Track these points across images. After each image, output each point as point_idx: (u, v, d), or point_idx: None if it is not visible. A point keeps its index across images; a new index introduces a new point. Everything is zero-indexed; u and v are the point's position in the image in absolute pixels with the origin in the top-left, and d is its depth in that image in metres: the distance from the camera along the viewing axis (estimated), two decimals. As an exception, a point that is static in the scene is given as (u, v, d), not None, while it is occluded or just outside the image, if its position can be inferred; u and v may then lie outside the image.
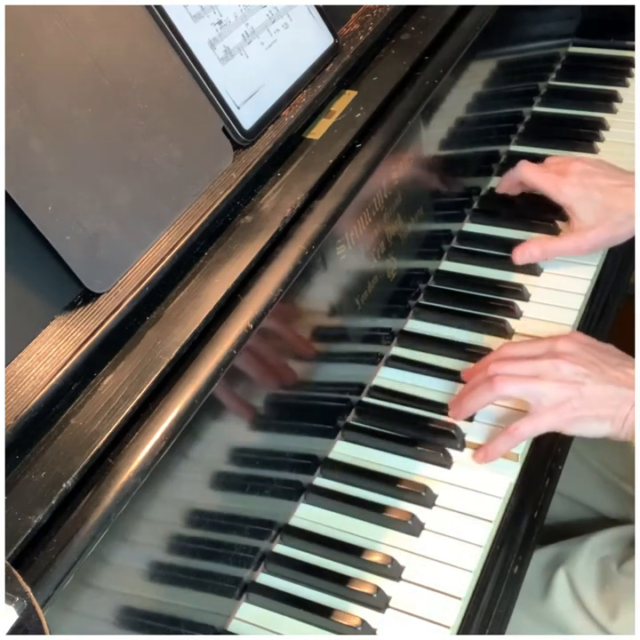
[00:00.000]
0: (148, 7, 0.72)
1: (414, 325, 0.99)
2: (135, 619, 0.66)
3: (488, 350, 0.93)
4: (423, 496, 0.82)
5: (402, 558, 0.78)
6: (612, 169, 1.01)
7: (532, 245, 1.01)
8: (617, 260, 1.05)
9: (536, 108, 1.25)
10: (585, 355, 0.83)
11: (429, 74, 0.89)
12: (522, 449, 0.85)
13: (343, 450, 0.88)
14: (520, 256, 1.01)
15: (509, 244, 1.05)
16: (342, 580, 0.77)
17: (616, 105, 1.23)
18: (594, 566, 0.96)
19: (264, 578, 0.80)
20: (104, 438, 0.58)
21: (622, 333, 1.04)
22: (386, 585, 0.77)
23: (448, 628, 0.74)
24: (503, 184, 1.08)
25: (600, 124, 1.20)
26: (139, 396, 0.61)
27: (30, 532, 0.54)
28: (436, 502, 0.82)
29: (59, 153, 0.64)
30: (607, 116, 1.21)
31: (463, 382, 0.90)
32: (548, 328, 0.95)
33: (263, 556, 0.80)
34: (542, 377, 0.82)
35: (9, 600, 0.50)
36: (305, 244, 0.73)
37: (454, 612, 0.74)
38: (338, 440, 0.89)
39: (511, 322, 0.96)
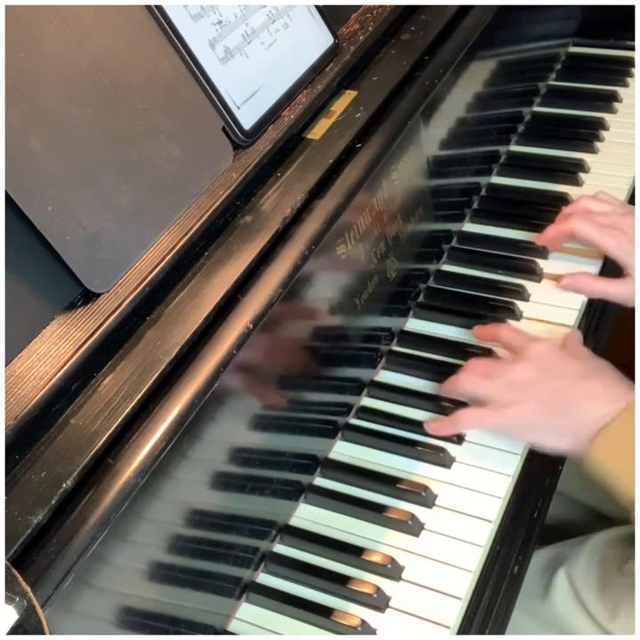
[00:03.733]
0: (148, 7, 0.72)
1: (414, 325, 0.99)
2: (135, 619, 0.66)
3: (488, 350, 0.93)
4: (423, 496, 0.82)
5: (402, 558, 0.78)
6: None
7: (582, 279, 0.99)
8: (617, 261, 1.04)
9: (536, 108, 1.25)
10: (552, 359, 0.84)
11: (429, 74, 0.89)
12: (522, 449, 0.85)
13: (343, 450, 0.88)
14: (567, 283, 0.99)
15: (509, 244, 1.05)
16: (342, 579, 0.77)
17: (616, 105, 1.23)
18: (594, 567, 0.96)
19: (264, 578, 0.80)
20: (104, 438, 0.59)
21: (622, 334, 1.04)
22: (386, 585, 0.77)
23: (448, 627, 0.74)
24: (549, 235, 1.02)
25: (600, 124, 1.20)
26: (139, 396, 0.61)
27: (30, 532, 0.54)
28: (436, 502, 0.82)
29: (59, 153, 0.64)
30: (607, 116, 1.21)
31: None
32: (548, 328, 0.95)
33: (263, 556, 0.80)
34: (494, 377, 0.84)
35: (9, 600, 0.50)
36: (305, 243, 0.73)
37: (454, 611, 0.74)
38: (338, 440, 0.89)
39: (511, 322, 0.96)
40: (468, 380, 0.86)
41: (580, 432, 0.79)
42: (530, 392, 0.82)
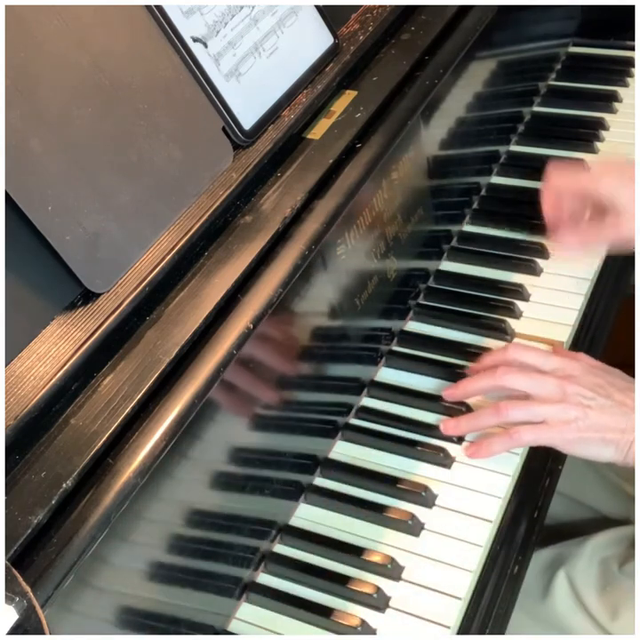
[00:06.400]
0: (148, 7, 0.72)
1: (414, 325, 0.99)
2: (135, 619, 0.66)
3: (488, 350, 0.93)
4: (423, 496, 0.82)
5: (402, 558, 0.78)
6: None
7: (571, 238, 0.99)
8: (617, 260, 1.05)
9: (536, 108, 1.25)
10: (591, 377, 0.83)
11: (429, 74, 0.89)
12: (522, 449, 0.85)
13: (343, 450, 0.88)
14: (561, 250, 1.00)
15: (509, 244, 1.05)
16: (342, 579, 0.77)
17: (616, 105, 1.23)
18: (594, 567, 0.96)
19: (264, 578, 0.80)
20: (104, 438, 0.59)
21: (622, 334, 1.04)
22: (386, 585, 0.77)
23: (448, 627, 0.74)
24: (547, 206, 1.02)
25: (600, 124, 1.20)
26: (139, 396, 0.61)
27: (30, 531, 0.54)
28: (436, 502, 0.82)
29: (59, 153, 0.64)
30: (607, 116, 1.21)
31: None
32: (548, 328, 0.95)
33: (263, 556, 0.80)
34: (547, 399, 0.81)
35: (9, 600, 0.50)
36: (305, 243, 0.73)
37: (454, 612, 0.74)
38: (338, 440, 0.89)
39: (511, 322, 0.96)
40: (519, 405, 0.82)
41: (624, 442, 0.79)
42: (588, 410, 0.80)
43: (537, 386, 0.82)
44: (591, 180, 0.98)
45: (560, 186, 1.01)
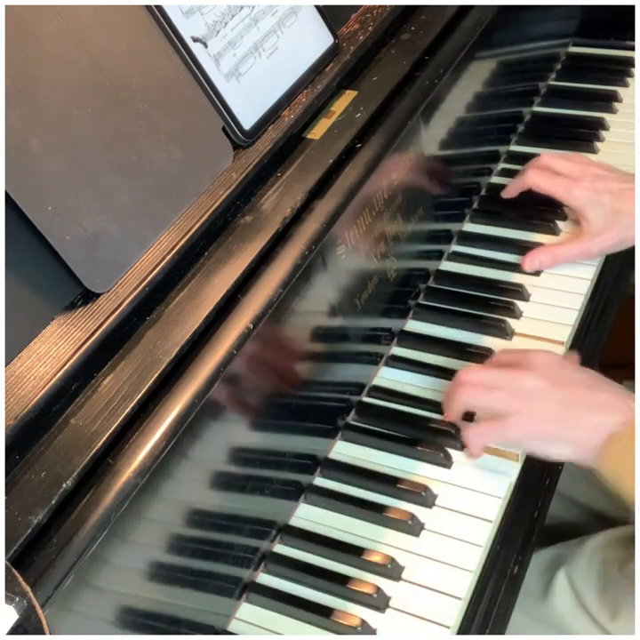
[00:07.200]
0: (148, 7, 0.72)
1: (414, 325, 0.99)
2: (135, 619, 0.66)
3: (488, 350, 0.93)
4: (423, 496, 0.82)
5: (402, 558, 0.78)
6: (625, 174, 1.01)
7: (541, 253, 1.00)
8: (617, 260, 1.05)
9: (536, 108, 1.25)
10: (557, 369, 0.81)
11: (429, 74, 0.89)
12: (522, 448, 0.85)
13: (343, 450, 0.88)
14: (529, 264, 1.00)
15: (509, 244, 1.05)
16: (342, 579, 0.77)
17: (616, 105, 1.23)
18: (594, 567, 0.96)
19: (264, 578, 0.80)
20: (104, 438, 0.59)
21: (622, 334, 1.04)
22: (386, 585, 0.77)
23: (448, 628, 0.74)
24: (510, 189, 1.07)
25: (600, 124, 1.20)
26: (139, 396, 0.61)
27: (30, 532, 0.54)
28: (436, 502, 0.82)
29: (59, 153, 0.64)
30: (607, 116, 1.21)
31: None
32: (548, 328, 0.95)
33: (263, 555, 0.80)
34: (498, 387, 0.81)
35: (9, 600, 0.50)
36: (305, 243, 0.73)
37: (454, 612, 0.74)
38: (338, 440, 0.89)
39: (511, 322, 0.96)
40: (468, 393, 0.82)
41: (584, 441, 0.77)
42: (534, 401, 0.79)
43: (492, 380, 0.82)
44: (565, 190, 0.99)
45: (533, 185, 1.01)
